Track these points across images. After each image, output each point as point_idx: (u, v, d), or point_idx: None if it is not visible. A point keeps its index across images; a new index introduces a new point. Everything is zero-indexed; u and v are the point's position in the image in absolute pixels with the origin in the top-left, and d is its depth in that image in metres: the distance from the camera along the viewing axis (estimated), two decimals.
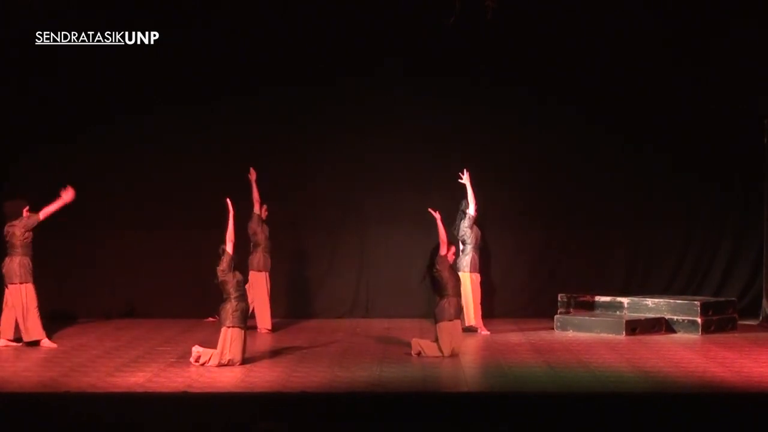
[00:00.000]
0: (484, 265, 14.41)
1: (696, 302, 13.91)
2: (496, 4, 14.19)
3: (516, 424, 9.14)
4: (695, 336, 13.57)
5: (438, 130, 15.41)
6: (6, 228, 12.76)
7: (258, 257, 13.93)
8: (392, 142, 15.38)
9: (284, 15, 14.87)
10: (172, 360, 11.64)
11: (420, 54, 15.12)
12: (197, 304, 14.68)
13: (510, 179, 15.41)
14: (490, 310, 14.71)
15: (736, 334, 13.70)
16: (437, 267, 12.06)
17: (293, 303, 15.45)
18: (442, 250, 12.13)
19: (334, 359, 11.78)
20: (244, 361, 11.28)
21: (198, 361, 11.26)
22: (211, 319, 14.39)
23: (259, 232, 13.99)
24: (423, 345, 12.03)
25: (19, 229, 12.65)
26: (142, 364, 11.34)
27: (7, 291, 12.73)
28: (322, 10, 14.82)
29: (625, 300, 14.27)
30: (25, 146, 15.11)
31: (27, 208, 12.72)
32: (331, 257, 15.65)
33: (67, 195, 12.75)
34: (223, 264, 11.30)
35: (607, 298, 14.37)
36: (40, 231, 13.09)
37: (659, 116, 15.36)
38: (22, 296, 12.60)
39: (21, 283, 12.60)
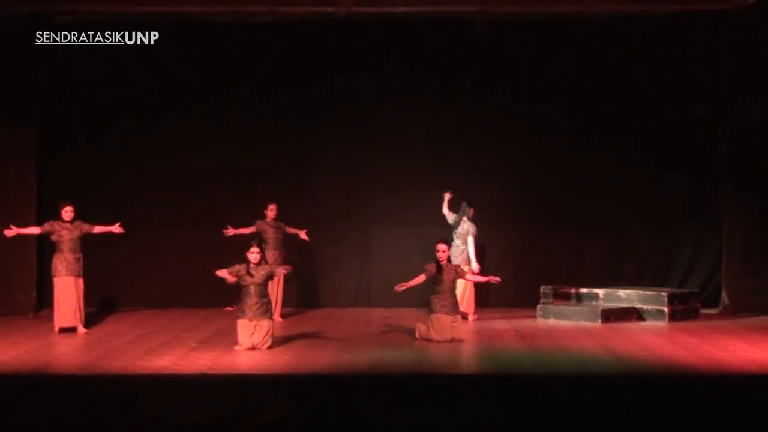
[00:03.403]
0: (479, 257, 14.43)
1: (663, 293, 13.95)
2: (485, 27, 14.30)
3: (502, 403, 9.15)
4: (663, 324, 13.60)
5: (436, 132, 15.35)
6: (53, 225, 12.74)
7: (268, 255, 13.88)
8: (393, 144, 15.35)
9: (291, 20, 14.81)
10: (194, 345, 11.68)
11: (420, 60, 15.16)
12: (217, 294, 14.66)
13: (499, 179, 15.36)
14: (480, 300, 14.72)
15: (698, 322, 13.73)
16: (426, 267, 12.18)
17: (303, 294, 15.47)
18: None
19: (339, 344, 11.82)
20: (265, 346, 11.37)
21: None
22: (229, 308, 14.42)
23: (267, 230, 13.98)
24: (420, 326, 12.18)
25: (68, 231, 12.67)
26: (168, 349, 11.38)
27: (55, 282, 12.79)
28: (328, 15, 14.72)
29: (600, 291, 14.31)
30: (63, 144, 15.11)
31: (71, 208, 12.73)
32: (337, 251, 15.62)
33: (116, 229, 12.87)
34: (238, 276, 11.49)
35: (585, 290, 14.39)
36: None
37: (629, 127, 15.30)
38: (73, 287, 12.67)
39: (67, 276, 12.65)
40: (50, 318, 13.02)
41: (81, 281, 12.80)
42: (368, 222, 15.59)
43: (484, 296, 15.02)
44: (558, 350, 11.46)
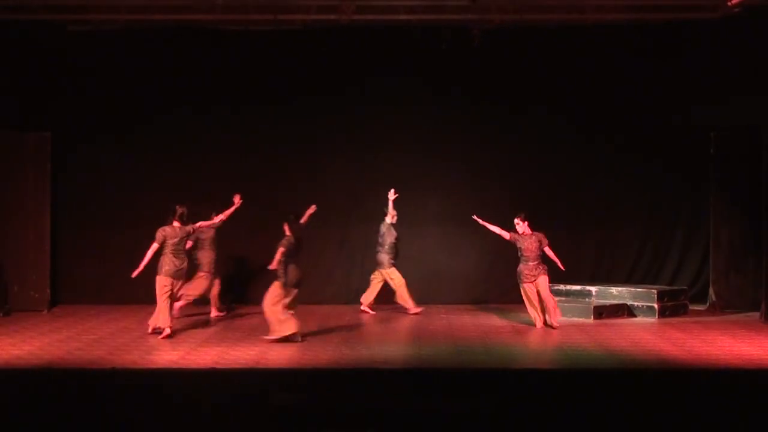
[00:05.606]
0: (476, 255, 14.34)
1: (653, 290, 13.96)
2: (481, 36, 14.26)
3: (499, 395, 9.15)
4: (653, 320, 13.61)
5: (436, 132, 15.34)
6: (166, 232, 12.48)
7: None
8: (393, 144, 15.32)
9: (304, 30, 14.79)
10: (201, 341, 11.69)
11: (420, 62, 15.10)
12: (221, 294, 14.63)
13: (498, 179, 15.34)
14: (482, 296, 14.69)
15: (687, 318, 13.74)
16: None
17: (305, 291, 15.36)
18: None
19: (341, 339, 11.82)
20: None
21: None
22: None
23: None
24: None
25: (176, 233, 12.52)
26: (175, 345, 11.40)
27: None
28: (330, 22, 14.66)
29: (593, 288, 14.32)
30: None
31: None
32: (338, 250, 15.59)
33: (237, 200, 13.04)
34: None
35: (578, 287, 14.40)
36: (83, 225, 13.19)
37: (622, 128, 15.33)
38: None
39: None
40: (63, 314, 13.06)
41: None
42: (369, 221, 15.52)
43: (482, 293, 15.00)
44: (553, 345, 11.43)
